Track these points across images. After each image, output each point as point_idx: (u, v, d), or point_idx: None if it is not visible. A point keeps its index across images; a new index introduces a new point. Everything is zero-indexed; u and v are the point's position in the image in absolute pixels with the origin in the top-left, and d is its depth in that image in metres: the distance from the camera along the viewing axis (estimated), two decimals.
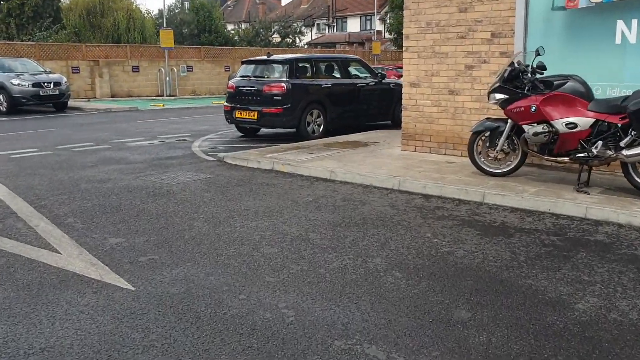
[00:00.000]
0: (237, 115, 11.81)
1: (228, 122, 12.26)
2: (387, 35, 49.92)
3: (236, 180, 7.78)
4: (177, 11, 50.29)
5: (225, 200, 6.68)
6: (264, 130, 12.78)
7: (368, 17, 57.82)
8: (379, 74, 13.26)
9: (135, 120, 16.49)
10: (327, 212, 6.14)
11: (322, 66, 12.55)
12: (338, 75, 12.67)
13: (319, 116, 11.80)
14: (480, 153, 7.30)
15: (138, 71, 27.75)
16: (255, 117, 11.49)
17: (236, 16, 63.06)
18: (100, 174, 8.27)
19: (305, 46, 50.69)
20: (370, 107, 13.02)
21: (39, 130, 14.00)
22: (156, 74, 28.17)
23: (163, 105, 22.46)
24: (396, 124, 13.64)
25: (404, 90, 9.34)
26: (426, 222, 5.76)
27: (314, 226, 5.61)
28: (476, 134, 7.26)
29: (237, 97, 11.87)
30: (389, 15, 49.79)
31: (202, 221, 5.81)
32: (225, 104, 12.18)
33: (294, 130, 11.66)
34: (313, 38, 58.48)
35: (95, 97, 25.79)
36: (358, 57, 14.08)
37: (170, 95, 27.60)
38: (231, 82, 12.20)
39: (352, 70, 13.56)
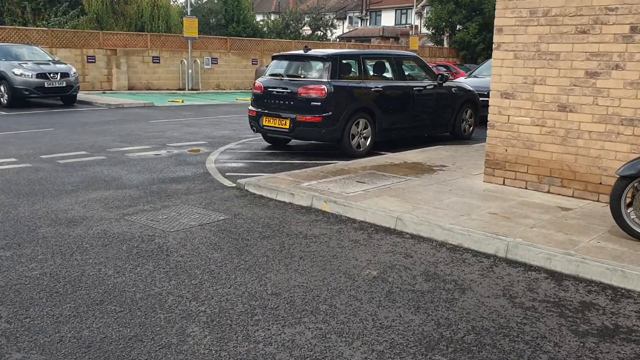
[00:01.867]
0: (264, 123, 9.49)
1: (253, 130, 9.94)
2: (424, 30, 47.21)
3: (261, 226, 5.46)
4: (204, 0, 48.25)
5: (243, 270, 4.36)
6: (297, 140, 10.43)
7: (404, 11, 55.04)
8: (440, 76, 10.80)
9: (147, 120, 14.29)
10: (405, 307, 3.78)
11: (372, 65, 10.15)
12: (390, 76, 10.26)
13: (365, 127, 9.43)
14: (629, 206, 4.84)
15: (159, 62, 25.64)
16: (287, 126, 9.15)
17: (265, 7, 60.82)
18: (75, 209, 6.00)
19: (337, 40, 48.22)
20: (428, 115, 10.60)
21: (33, 130, 11.86)
22: (178, 65, 26.03)
23: (182, 101, 20.26)
24: (456, 137, 11.26)
25: (491, 102, 6.91)
26: (581, 341, 3.36)
27: (392, 347, 3.26)
28: (626, 179, 4.80)
29: (266, 101, 9.56)
30: (426, 9, 47.09)
31: (201, 326, 3.49)
32: (251, 107, 9.86)
33: (335, 143, 9.32)
34: (345, 32, 55.94)
35: (111, 90, 23.75)
36: (414, 54, 11.66)
37: (192, 89, 25.43)
38: (258, 82, 9.87)
39: (407, 69, 11.12)
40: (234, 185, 7.11)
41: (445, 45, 40.92)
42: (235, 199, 6.50)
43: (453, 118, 11.14)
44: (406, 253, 4.81)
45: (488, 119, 6.94)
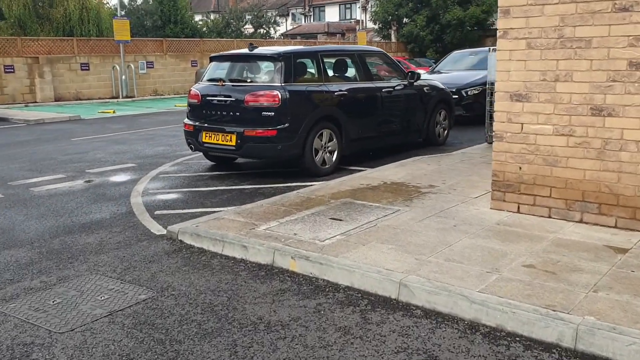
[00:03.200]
0: (204, 140, 7.68)
1: (191, 148, 8.10)
2: (369, 24, 45.91)
3: (200, 311, 3.68)
4: (140, 2, 45.51)
5: None
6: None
7: (348, 6, 53.69)
8: (410, 74, 9.22)
9: (69, 138, 12.19)
10: None
11: (332, 63, 8.45)
12: (354, 77, 8.61)
13: (330, 139, 7.75)
14: None
15: (88, 69, 23.27)
16: (234, 142, 7.38)
17: (204, 6, 58.32)
18: None
19: (282, 37, 46.42)
20: (399, 121, 9.01)
21: None
22: (110, 72, 23.72)
23: (114, 112, 18.06)
24: (430, 143, 9.73)
25: (497, 106, 5.33)
26: None
27: None
28: None
29: (205, 112, 7.75)
30: (371, 2, 45.80)
31: None
32: (187, 121, 8.02)
33: (294, 160, 7.61)
34: (289, 29, 54.16)
35: (35, 102, 21.26)
36: (380, 49, 10.02)
37: (127, 97, 23.19)
38: (194, 89, 8.02)
39: (372, 68, 9.48)
40: (164, 233, 5.29)
41: (393, 39, 39.69)
42: (164, 257, 4.69)
43: (426, 122, 9.59)
44: (427, 351, 3.14)
45: (494, 129, 5.36)
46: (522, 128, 5.18)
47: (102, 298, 3.87)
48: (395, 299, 3.76)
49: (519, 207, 5.29)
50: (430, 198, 5.87)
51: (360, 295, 3.85)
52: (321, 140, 7.63)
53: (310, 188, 6.52)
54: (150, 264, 4.53)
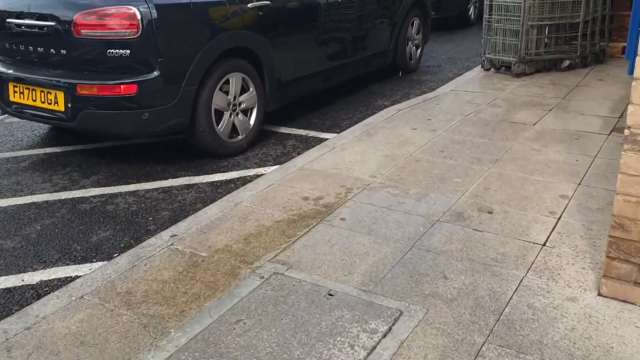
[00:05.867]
0: (13, 98, 4.21)
1: None
2: None
3: None
4: None
5: None
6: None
7: None
8: None
9: None
10: None
11: None
12: None
13: (244, 89, 4.42)
14: None
15: None
16: (62, 107, 3.95)
17: None
18: None
19: None
20: (354, 43, 5.69)
21: None
22: None
23: None
24: (399, 67, 6.58)
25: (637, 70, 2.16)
26: None
27: None
28: None
29: (7, 47, 4.22)
30: None
31: None
32: None
33: (180, 134, 4.27)
34: None
35: None
36: None
37: None
38: None
39: None
40: None
41: None
42: None
43: (393, 38, 6.32)
44: None
45: (628, 124, 2.23)
46: None
47: None
48: None
49: None
50: (464, 274, 2.75)
51: None
52: (228, 95, 4.30)
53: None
54: None
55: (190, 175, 4.02)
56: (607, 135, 4.27)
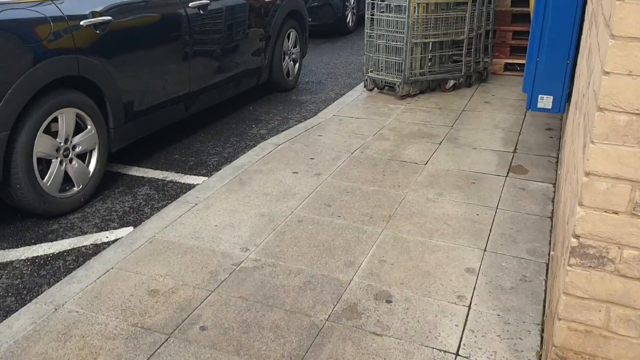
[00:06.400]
0: None
1: None
2: None
3: None
4: None
5: None
6: None
7: None
8: None
9: None
10: None
11: None
12: None
13: (79, 128, 3.49)
14: None
15: None
16: None
17: None
18: None
19: None
20: (221, 61, 4.90)
21: None
22: None
23: None
24: (274, 87, 5.92)
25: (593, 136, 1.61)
26: None
27: None
28: None
29: None
30: None
31: None
32: None
33: None
34: None
35: None
36: None
37: None
38: None
39: None
40: None
41: None
42: None
43: (269, 54, 5.60)
44: None
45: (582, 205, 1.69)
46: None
47: None
48: None
49: None
50: None
51: None
52: (57, 137, 3.36)
53: None
54: None
55: (4, 248, 3.05)
56: (504, 177, 3.85)
